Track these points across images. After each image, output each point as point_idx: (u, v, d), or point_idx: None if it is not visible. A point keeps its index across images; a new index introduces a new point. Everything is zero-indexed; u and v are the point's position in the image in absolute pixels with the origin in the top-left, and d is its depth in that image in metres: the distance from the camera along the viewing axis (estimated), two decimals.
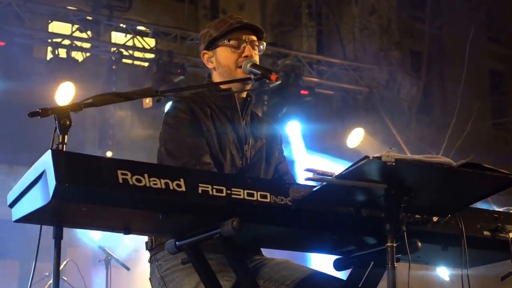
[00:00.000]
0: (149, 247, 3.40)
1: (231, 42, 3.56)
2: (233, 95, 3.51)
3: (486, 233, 3.03)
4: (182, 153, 3.28)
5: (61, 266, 7.52)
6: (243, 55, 3.52)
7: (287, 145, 11.13)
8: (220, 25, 3.59)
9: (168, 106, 3.53)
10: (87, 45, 10.90)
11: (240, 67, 3.50)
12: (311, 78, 12.57)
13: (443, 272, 10.36)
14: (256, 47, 3.58)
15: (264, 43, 3.63)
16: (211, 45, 3.60)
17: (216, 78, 3.61)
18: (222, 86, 3.53)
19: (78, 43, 10.81)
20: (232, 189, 2.61)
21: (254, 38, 3.59)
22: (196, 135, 3.34)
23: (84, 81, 10.13)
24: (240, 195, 2.62)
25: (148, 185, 2.49)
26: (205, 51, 3.64)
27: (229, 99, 3.53)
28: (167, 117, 3.42)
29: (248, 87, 3.55)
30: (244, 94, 3.61)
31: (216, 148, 3.38)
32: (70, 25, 11.00)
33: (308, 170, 2.64)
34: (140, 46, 11.32)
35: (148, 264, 3.44)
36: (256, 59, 3.55)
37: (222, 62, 3.57)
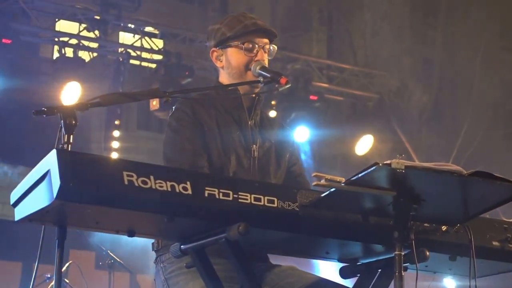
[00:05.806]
0: (155, 248, 3.39)
1: (245, 45, 3.52)
2: (240, 96, 3.49)
3: (495, 243, 3.01)
4: (177, 157, 3.31)
5: (63, 268, 7.48)
6: (255, 59, 3.49)
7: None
8: (234, 24, 3.55)
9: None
10: (94, 45, 10.85)
11: (250, 69, 3.47)
12: (321, 84, 12.51)
13: (450, 283, 10.30)
14: (267, 51, 3.56)
15: (276, 47, 3.61)
16: (222, 43, 3.56)
17: (224, 77, 3.58)
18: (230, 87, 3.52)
19: (85, 43, 10.75)
20: (239, 193, 2.59)
21: (267, 41, 3.57)
22: (195, 137, 3.34)
23: (91, 81, 10.09)
24: (247, 199, 2.60)
25: (154, 187, 2.48)
26: (214, 49, 3.60)
27: (236, 100, 3.50)
28: (170, 119, 3.45)
29: (257, 90, 3.53)
30: (252, 94, 3.58)
31: (219, 148, 3.37)
32: (77, 24, 10.92)
33: (317, 176, 2.61)
34: (148, 47, 11.28)
35: (152, 268, 3.42)
36: (266, 62, 3.53)
37: (232, 63, 3.53)
